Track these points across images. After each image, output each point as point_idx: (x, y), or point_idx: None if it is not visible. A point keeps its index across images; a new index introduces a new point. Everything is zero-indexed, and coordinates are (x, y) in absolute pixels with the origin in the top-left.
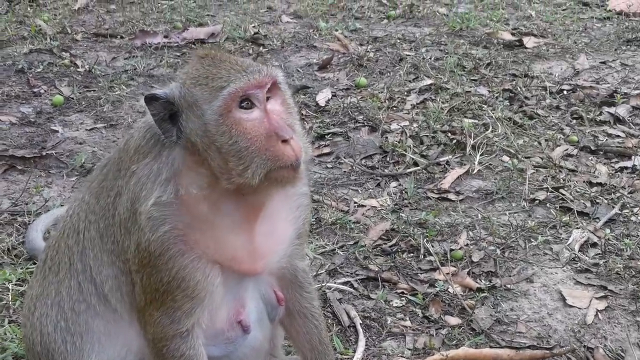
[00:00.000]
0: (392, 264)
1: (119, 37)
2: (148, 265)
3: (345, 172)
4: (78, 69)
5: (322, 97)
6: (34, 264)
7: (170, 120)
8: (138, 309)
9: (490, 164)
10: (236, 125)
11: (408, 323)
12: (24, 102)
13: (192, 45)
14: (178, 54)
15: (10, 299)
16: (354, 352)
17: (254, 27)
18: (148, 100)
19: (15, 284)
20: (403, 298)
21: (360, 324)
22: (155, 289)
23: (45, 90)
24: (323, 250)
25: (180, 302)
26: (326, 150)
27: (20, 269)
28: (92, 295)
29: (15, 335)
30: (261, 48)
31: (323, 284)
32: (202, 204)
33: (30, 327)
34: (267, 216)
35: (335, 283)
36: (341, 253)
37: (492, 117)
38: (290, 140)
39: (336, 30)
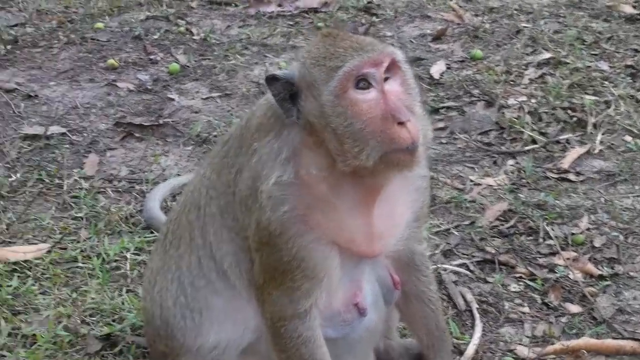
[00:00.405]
0: (510, 247)
1: (233, 5)
2: (268, 244)
3: (460, 148)
4: (194, 37)
5: (436, 69)
6: (152, 233)
7: (291, 100)
8: (257, 287)
9: (612, 144)
10: (352, 106)
11: (526, 309)
12: (140, 69)
13: (305, 14)
14: (291, 23)
15: (128, 268)
16: (470, 337)
17: None
18: (269, 81)
19: (133, 253)
20: (521, 283)
21: (477, 308)
22: (274, 267)
23: (161, 58)
24: (438, 229)
25: (299, 282)
26: (440, 125)
27: (138, 237)
28: (211, 271)
29: (133, 306)
30: (374, 18)
31: (438, 265)
32: (322, 185)
33: (150, 301)
34: (385, 199)
35: (450, 265)
36: (456, 233)
37: (613, 94)
38: (407, 123)
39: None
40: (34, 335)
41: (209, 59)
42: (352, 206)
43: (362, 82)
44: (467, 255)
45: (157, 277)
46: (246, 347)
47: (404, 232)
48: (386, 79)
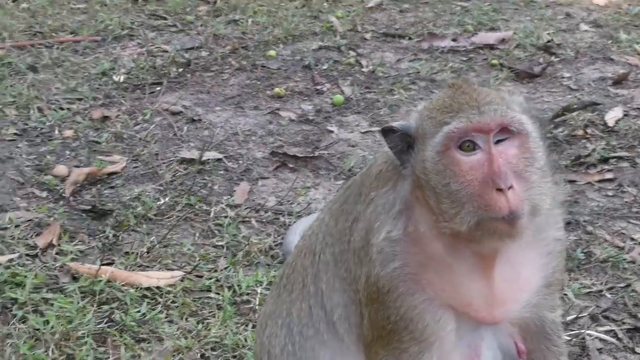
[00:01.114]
0: None
1: (407, 38)
2: (376, 301)
3: (627, 202)
4: (362, 69)
5: (612, 116)
6: None
7: (409, 151)
8: (365, 343)
9: None
10: (452, 166)
11: None
12: (305, 99)
13: (480, 50)
14: (464, 58)
15: (257, 302)
16: None
17: (548, 34)
18: (385, 132)
19: (265, 287)
20: None
21: None
22: (381, 326)
23: (327, 89)
24: (589, 290)
25: (406, 344)
26: (608, 175)
27: (274, 271)
28: (321, 321)
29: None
30: (553, 57)
31: (583, 330)
32: (436, 243)
33: (259, 345)
34: (509, 262)
35: (597, 331)
36: (609, 296)
37: None
38: (508, 190)
39: (637, 43)
40: None
41: (374, 92)
42: (469, 268)
43: (468, 144)
44: (617, 321)
45: (268, 321)
46: None
47: (531, 299)
48: (500, 141)
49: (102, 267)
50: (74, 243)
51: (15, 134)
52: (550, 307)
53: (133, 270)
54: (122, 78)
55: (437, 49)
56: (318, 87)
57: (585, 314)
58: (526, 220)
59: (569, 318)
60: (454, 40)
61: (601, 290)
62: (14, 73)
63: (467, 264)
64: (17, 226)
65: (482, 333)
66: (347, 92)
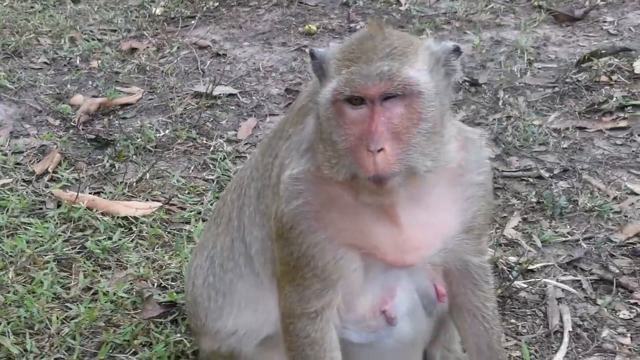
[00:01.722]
0: (637, 269)
1: None
2: (281, 237)
3: (633, 152)
4: (399, 7)
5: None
6: None
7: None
8: (276, 278)
9: None
10: (337, 117)
11: (627, 341)
12: (337, 37)
13: None
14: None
15: None
16: None
17: None
18: (311, 55)
19: None
20: (633, 310)
21: (570, 331)
22: (287, 262)
23: (360, 27)
24: (564, 239)
25: (309, 280)
26: (622, 124)
27: None
28: (240, 255)
29: None
30: (599, 0)
31: (547, 279)
32: (338, 184)
33: (187, 275)
34: (419, 205)
35: (558, 280)
36: (584, 246)
37: None
38: (377, 152)
39: None
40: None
41: (404, 31)
42: (373, 212)
43: (355, 99)
44: (585, 271)
45: (197, 253)
46: (264, 339)
47: (448, 243)
48: (389, 98)
49: (85, 195)
50: (70, 171)
51: (44, 62)
52: (475, 251)
53: (119, 200)
54: (159, 11)
55: None
56: (352, 25)
57: (553, 263)
58: (400, 180)
59: (534, 266)
60: None
61: (577, 240)
62: (57, 3)
63: (370, 207)
64: (21, 152)
65: (398, 274)
66: None
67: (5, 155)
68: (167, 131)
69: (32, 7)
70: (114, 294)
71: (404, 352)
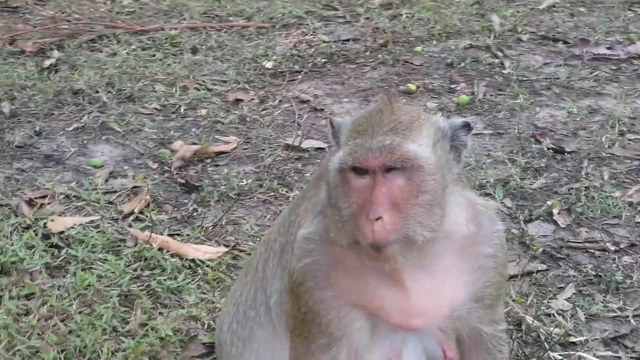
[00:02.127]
0: None
1: (562, 42)
2: (292, 292)
3: None
4: (502, 70)
5: None
6: None
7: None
8: (289, 330)
9: None
10: (344, 184)
11: None
12: (435, 97)
13: (634, 60)
14: (614, 67)
15: None
16: None
17: None
18: (330, 123)
19: None
20: None
21: None
22: (295, 316)
23: (461, 88)
24: (615, 315)
25: (314, 335)
26: None
27: None
28: (262, 304)
29: None
30: None
31: (582, 353)
32: (346, 247)
33: (218, 321)
34: (428, 272)
35: (596, 355)
36: (633, 322)
37: None
38: (376, 221)
39: None
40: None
41: (503, 95)
42: (379, 275)
43: (360, 169)
44: (628, 348)
45: (228, 300)
46: None
47: (456, 311)
48: (391, 169)
49: (160, 236)
50: (156, 212)
51: (155, 108)
52: (487, 321)
53: (193, 242)
54: (270, 64)
55: (589, 56)
56: (452, 86)
57: (598, 337)
58: (398, 248)
59: (577, 339)
60: (608, 48)
61: (627, 316)
62: (178, 52)
63: (375, 271)
64: (115, 192)
65: (405, 336)
66: (479, 93)
67: (100, 194)
68: (249, 180)
69: (153, 56)
70: (164, 331)
71: None
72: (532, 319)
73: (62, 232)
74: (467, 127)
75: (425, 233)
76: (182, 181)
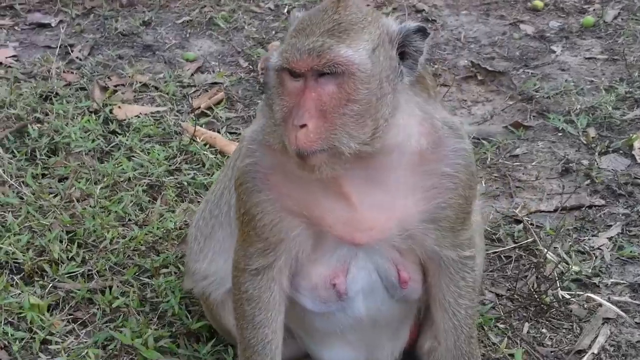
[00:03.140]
0: None
1: None
2: (236, 192)
3: None
4: None
5: None
6: None
7: None
8: None
9: None
10: (279, 85)
11: None
12: (562, 16)
13: None
14: None
15: None
16: None
17: None
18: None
19: None
20: None
21: (594, 353)
22: (237, 217)
23: (594, 9)
24: None
25: (252, 238)
26: None
27: None
28: (225, 203)
29: None
30: None
31: (600, 294)
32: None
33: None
34: (378, 187)
35: (610, 299)
36: None
37: None
38: (300, 128)
39: None
40: None
41: (633, 19)
42: (323, 184)
43: (294, 71)
44: None
45: (205, 196)
46: (230, 289)
47: (408, 230)
48: (323, 75)
49: (209, 132)
50: (226, 110)
51: (269, 8)
52: (450, 245)
53: None
54: None
55: None
56: (585, 6)
57: (625, 282)
58: (325, 158)
59: (605, 281)
60: None
61: None
62: None
63: (319, 181)
64: (193, 86)
65: (354, 251)
66: (608, 16)
67: (176, 86)
68: None
69: None
70: (171, 223)
71: (362, 330)
72: (554, 255)
73: (123, 120)
74: (422, 31)
75: (353, 145)
76: (262, 81)
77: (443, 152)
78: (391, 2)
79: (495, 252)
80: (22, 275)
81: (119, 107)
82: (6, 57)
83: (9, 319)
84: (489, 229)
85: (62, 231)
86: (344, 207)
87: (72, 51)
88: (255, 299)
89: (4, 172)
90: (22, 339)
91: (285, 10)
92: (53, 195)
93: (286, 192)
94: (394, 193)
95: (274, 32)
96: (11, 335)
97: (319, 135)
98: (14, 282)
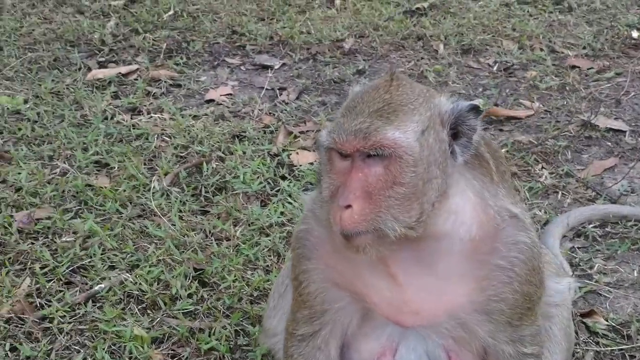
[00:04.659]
0: None
1: None
2: (291, 255)
3: None
4: None
5: None
6: None
7: None
8: None
9: None
10: (328, 162)
11: None
12: None
13: None
14: None
15: None
16: None
17: None
18: None
19: None
20: None
21: None
22: (291, 280)
23: None
24: None
25: (299, 304)
26: None
27: None
28: None
29: None
30: None
31: None
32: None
33: None
34: (427, 270)
35: None
36: None
37: None
38: (345, 209)
39: None
40: None
41: None
42: (369, 261)
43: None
44: None
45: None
46: None
47: (459, 318)
48: (371, 156)
49: None
50: None
51: (488, 64)
52: (506, 339)
53: None
54: (637, 34)
55: None
56: None
57: None
58: (369, 240)
59: None
60: None
61: None
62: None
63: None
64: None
65: (406, 332)
66: None
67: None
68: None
69: (508, 9)
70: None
71: None
72: None
73: (294, 166)
74: (475, 109)
75: (398, 228)
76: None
77: (497, 243)
78: (616, 68)
79: (621, 350)
80: (143, 306)
81: (297, 152)
82: (221, 95)
83: (113, 347)
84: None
85: (190, 268)
86: (391, 287)
87: (280, 94)
88: None
89: (165, 206)
90: None
91: (506, 68)
92: (196, 232)
93: (333, 264)
94: (444, 279)
95: (484, 89)
96: None
97: (364, 217)
98: (133, 312)
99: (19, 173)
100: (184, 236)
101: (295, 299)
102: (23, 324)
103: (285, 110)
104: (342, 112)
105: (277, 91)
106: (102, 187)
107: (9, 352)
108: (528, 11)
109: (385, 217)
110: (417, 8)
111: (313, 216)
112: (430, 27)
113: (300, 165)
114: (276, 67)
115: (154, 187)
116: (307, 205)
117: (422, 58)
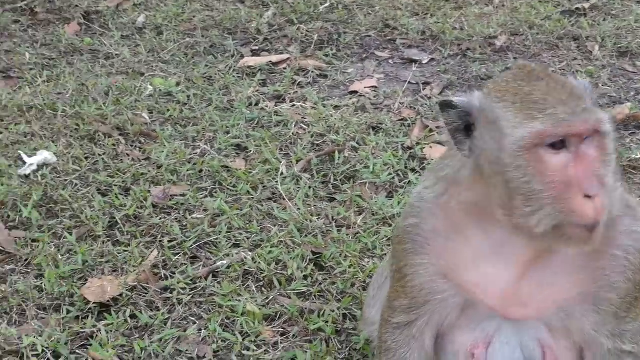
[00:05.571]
0: None
1: None
2: (392, 246)
3: None
4: None
5: None
6: None
7: (466, 132)
8: None
9: None
10: (536, 164)
11: None
12: None
13: None
14: None
15: None
16: None
17: None
18: (442, 106)
19: None
20: None
21: None
22: (390, 269)
23: None
24: None
25: (398, 293)
26: None
27: None
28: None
29: None
30: None
31: None
32: (466, 219)
33: None
34: (549, 263)
35: None
36: None
37: None
38: (595, 198)
39: None
40: None
41: None
42: (497, 255)
43: (558, 143)
44: None
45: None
46: None
47: (566, 310)
48: (583, 139)
49: None
50: None
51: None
52: (608, 333)
53: None
54: None
55: None
56: None
57: None
58: (602, 228)
59: None
60: None
61: None
62: None
63: (492, 251)
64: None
65: (499, 323)
66: None
67: None
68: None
69: None
70: None
71: None
72: None
73: (426, 159)
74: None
75: (617, 207)
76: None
77: (614, 232)
78: None
79: None
80: (259, 284)
81: (431, 146)
82: (365, 87)
83: (226, 321)
84: None
85: (308, 251)
86: (507, 278)
87: (424, 88)
88: (392, 351)
89: (293, 191)
90: (226, 339)
91: None
92: (320, 217)
93: (446, 256)
94: (557, 271)
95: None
96: (219, 335)
97: (605, 203)
98: (250, 289)
99: (162, 151)
100: (307, 220)
101: (395, 288)
102: (146, 293)
103: (426, 104)
104: (529, 107)
105: (421, 85)
106: (237, 169)
107: (128, 319)
108: None
109: (613, 199)
110: (577, 8)
111: (425, 210)
112: (587, 28)
113: (432, 159)
114: (424, 61)
115: (282, 172)
116: (416, 197)
117: (575, 59)
